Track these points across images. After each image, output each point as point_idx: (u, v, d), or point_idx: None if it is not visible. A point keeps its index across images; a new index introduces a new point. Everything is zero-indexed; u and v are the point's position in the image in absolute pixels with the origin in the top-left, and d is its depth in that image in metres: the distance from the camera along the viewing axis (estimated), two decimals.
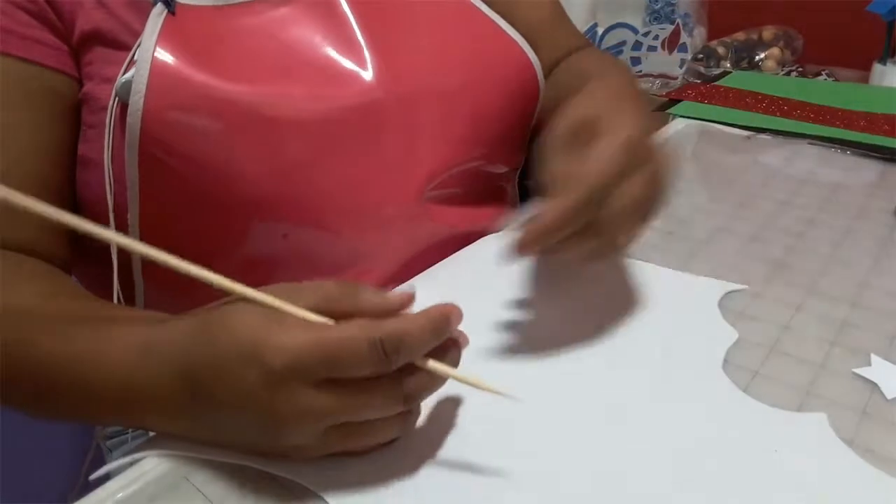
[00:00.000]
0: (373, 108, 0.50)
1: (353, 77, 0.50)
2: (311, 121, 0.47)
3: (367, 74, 0.50)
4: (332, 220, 0.50)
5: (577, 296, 0.49)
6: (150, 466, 0.35)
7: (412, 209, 0.53)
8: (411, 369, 0.32)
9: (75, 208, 0.49)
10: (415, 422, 0.35)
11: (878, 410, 0.39)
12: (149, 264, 0.49)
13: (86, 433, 0.78)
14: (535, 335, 0.45)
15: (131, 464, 0.35)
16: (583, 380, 0.41)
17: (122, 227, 0.46)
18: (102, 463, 0.35)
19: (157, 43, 0.44)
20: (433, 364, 0.33)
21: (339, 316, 0.32)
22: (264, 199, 0.47)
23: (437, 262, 0.54)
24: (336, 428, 0.32)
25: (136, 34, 0.45)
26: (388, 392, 0.31)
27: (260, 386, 0.30)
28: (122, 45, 0.46)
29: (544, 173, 0.40)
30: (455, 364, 0.34)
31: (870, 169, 0.71)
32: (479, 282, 0.51)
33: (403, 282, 0.51)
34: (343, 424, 0.32)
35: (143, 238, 0.46)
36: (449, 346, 0.33)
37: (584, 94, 0.45)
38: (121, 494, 0.34)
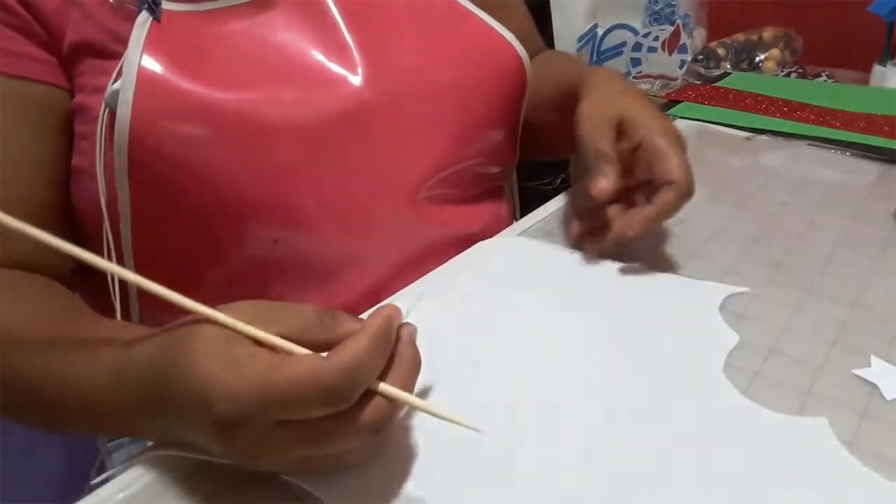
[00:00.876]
0: (362, 111, 0.49)
1: (341, 80, 0.49)
2: (301, 126, 0.47)
3: (356, 76, 0.50)
4: (323, 224, 0.49)
5: (578, 299, 0.49)
6: (150, 466, 0.35)
7: (404, 212, 0.53)
8: (370, 398, 0.30)
9: (72, 220, 0.49)
10: (386, 444, 0.34)
11: (877, 411, 0.39)
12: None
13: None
14: (535, 339, 0.45)
15: (126, 468, 0.35)
16: (583, 383, 0.41)
17: (116, 237, 0.46)
18: (102, 464, 0.36)
19: (143, 51, 0.43)
20: (391, 390, 0.31)
21: (314, 345, 0.31)
22: (254, 204, 0.47)
23: (434, 264, 0.54)
24: (306, 458, 0.31)
25: (125, 42, 0.44)
26: (350, 427, 0.30)
27: (215, 432, 0.30)
28: (111, 54, 0.45)
29: (595, 149, 0.50)
30: (414, 374, 0.33)
31: (870, 170, 0.71)
32: (477, 286, 0.51)
33: (398, 286, 0.51)
34: (312, 455, 0.31)
35: (136, 247, 0.47)
36: (404, 360, 0.32)
37: (596, 94, 0.53)
38: (121, 495, 0.34)
